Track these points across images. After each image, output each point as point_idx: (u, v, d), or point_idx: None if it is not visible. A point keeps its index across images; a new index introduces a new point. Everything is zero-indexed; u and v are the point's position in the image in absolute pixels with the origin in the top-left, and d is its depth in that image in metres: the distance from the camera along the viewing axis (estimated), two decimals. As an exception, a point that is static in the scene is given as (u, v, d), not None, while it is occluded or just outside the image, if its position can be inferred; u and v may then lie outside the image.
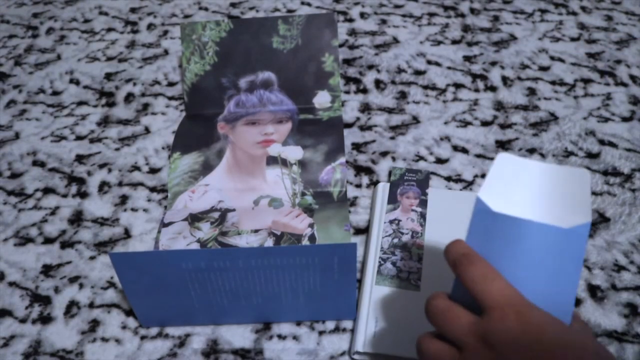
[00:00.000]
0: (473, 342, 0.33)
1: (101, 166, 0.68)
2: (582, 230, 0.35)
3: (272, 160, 0.65)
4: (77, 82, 0.81)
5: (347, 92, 0.76)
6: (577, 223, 0.35)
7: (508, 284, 0.35)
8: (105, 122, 0.74)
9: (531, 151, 0.67)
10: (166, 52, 0.85)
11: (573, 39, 0.84)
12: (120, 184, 0.66)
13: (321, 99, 0.71)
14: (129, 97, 0.78)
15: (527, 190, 0.37)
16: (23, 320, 0.54)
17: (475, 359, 0.33)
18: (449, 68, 0.79)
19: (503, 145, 0.68)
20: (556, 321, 0.33)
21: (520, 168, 0.38)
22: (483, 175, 0.64)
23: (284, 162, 0.65)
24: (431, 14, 0.90)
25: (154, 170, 0.67)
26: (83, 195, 0.65)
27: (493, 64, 0.80)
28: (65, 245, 0.60)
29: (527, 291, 0.35)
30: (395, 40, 0.85)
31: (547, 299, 0.35)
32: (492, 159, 0.66)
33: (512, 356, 0.31)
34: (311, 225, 0.59)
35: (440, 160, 0.67)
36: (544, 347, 0.31)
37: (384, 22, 0.88)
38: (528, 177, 0.37)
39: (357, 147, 0.69)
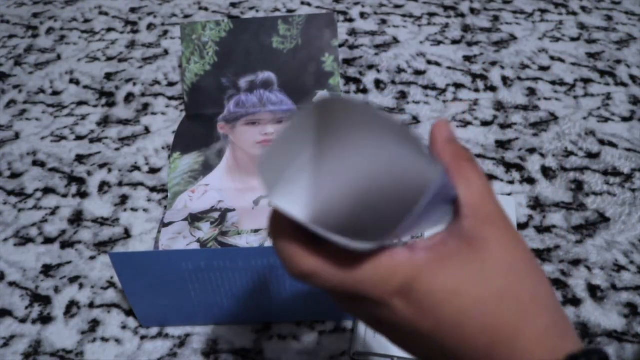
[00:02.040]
0: (362, 315, 0.26)
1: (101, 166, 0.68)
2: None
3: (272, 160, 0.65)
4: (77, 82, 0.81)
5: (347, 92, 0.76)
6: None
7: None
8: (105, 122, 0.74)
9: (531, 151, 0.67)
10: (166, 52, 0.85)
11: (573, 39, 0.84)
12: (120, 184, 0.66)
13: (321, 99, 0.71)
14: (129, 97, 0.78)
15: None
16: (23, 320, 0.54)
17: (374, 325, 0.26)
18: (449, 68, 0.79)
19: (503, 145, 0.68)
20: (450, 277, 0.24)
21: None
22: (483, 175, 0.64)
23: (284, 162, 0.65)
24: (431, 14, 0.90)
25: (154, 170, 0.67)
26: (83, 195, 0.65)
27: (493, 64, 0.80)
28: (65, 245, 0.60)
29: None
30: (395, 40, 0.85)
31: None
32: (492, 158, 0.66)
33: (416, 340, 0.25)
34: (311, 225, 0.59)
35: (440, 160, 0.66)
36: (450, 327, 0.24)
37: (384, 22, 0.88)
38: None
39: (357, 147, 0.69)
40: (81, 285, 0.57)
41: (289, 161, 0.25)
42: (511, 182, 0.64)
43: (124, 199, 0.64)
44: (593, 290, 0.54)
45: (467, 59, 0.81)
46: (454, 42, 0.84)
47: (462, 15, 0.89)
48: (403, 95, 0.75)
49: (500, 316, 0.23)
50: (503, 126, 0.70)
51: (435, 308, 0.23)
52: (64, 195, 0.65)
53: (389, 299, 0.24)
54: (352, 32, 0.87)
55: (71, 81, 0.81)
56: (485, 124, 0.71)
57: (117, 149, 0.70)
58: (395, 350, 0.48)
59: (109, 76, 0.81)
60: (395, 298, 0.24)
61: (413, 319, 0.24)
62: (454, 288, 0.23)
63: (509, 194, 0.62)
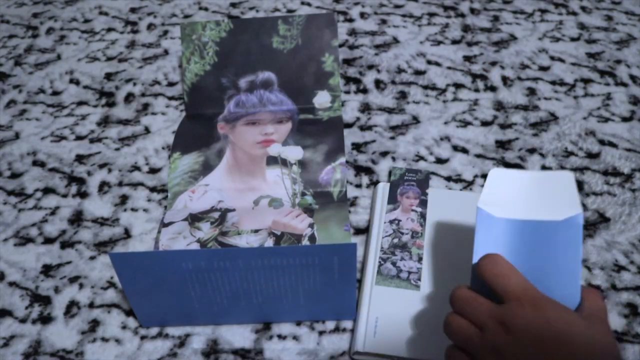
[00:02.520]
0: (493, 324, 0.38)
1: (101, 166, 0.68)
2: (575, 220, 0.41)
3: (272, 160, 0.65)
4: (77, 82, 0.81)
5: (347, 92, 0.76)
6: (570, 215, 0.41)
7: (524, 279, 0.40)
8: (105, 122, 0.74)
9: (531, 151, 0.67)
10: (166, 52, 0.85)
11: (573, 39, 0.84)
12: (120, 184, 0.66)
13: (321, 99, 0.71)
14: (129, 97, 0.78)
15: (520, 196, 0.43)
16: (23, 320, 0.54)
17: (495, 338, 0.38)
18: (449, 68, 0.79)
19: (503, 145, 0.68)
20: (568, 312, 0.38)
21: (512, 179, 0.44)
22: (483, 175, 0.64)
23: (284, 162, 0.65)
24: (431, 14, 0.90)
25: (154, 170, 0.67)
26: (83, 195, 0.65)
27: (493, 64, 0.80)
28: (65, 245, 0.60)
29: (536, 281, 0.40)
30: (395, 40, 0.85)
31: (554, 285, 0.40)
32: (492, 158, 0.66)
33: (526, 339, 0.37)
34: (311, 225, 0.59)
35: (440, 160, 0.67)
36: (553, 333, 0.36)
37: (384, 22, 0.89)
38: (520, 185, 0.44)
39: (357, 147, 0.69)
40: (81, 285, 0.57)
41: (515, 195, 0.43)
42: (511, 182, 0.64)
43: (124, 199, 0.64)
44: (593, 290, 0.54)
45: (467, 59, 0.81)
46: (454, 42, 0.84)
47: (462, 15, 0.89)
48: (403, 95, 0.75)
49: (589, 345, 0.36)
50: (503, 126, 0.70)
51: (550, 318, 0.37)
52: (64, 195, 0.65)
53: (524, 301, 0.38)
54: (352, 32, 0.87)
55: (71, 81, 0.81)
56: (485, 124, 0.71)
57: (117, 149, 0.70)
58: (394, 350, 0.48)
59: (109, 76, 0.81)
60: (527, 302, 0.38)
61: (534, 319, 0.37)
62: (569, 320, 0.37)
63: None
